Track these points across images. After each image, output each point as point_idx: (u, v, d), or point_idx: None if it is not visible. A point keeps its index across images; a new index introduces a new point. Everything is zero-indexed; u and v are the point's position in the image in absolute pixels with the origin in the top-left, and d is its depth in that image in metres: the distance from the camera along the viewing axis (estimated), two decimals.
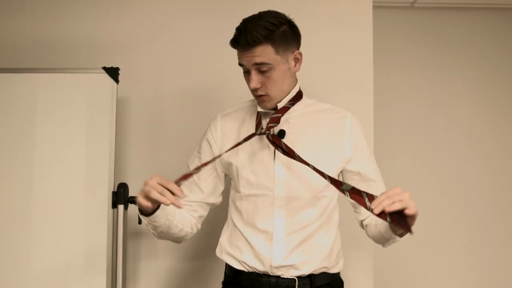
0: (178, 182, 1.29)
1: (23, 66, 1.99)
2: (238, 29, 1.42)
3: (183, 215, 1.50)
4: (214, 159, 1.46)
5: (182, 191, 1.26)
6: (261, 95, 1.44)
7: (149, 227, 1.43)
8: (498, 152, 2.75)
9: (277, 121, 1.45)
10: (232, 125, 1.56)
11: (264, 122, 1.49)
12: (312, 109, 1.54)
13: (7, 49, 2.10)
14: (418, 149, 2.72)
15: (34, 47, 2.10)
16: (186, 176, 1.34)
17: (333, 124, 1.52)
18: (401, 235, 1.36)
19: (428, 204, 2.70)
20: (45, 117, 1.85)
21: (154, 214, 1.36)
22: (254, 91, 1.44)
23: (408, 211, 1.19)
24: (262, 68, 1.39)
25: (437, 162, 2.73)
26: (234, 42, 1.41)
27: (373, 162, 1.56)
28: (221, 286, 1.60)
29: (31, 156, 1.83)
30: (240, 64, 1.44)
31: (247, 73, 1.44)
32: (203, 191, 1.55)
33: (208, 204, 1.57)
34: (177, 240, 1.52)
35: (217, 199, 1.58)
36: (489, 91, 2.76)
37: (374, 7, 2.19)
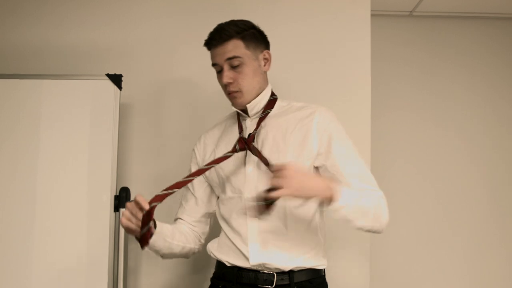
0: (166, 193, 1.37)
1: (28, 72, 2.02)
2: (210, 32, 1.53)
3: (184, 233, 1.59)
4: (196, 174, 1.50)
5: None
6: (233, 91, 1.51)
7: (151, 251, 1.50)
8: (496, 157, 2.76)
9: (253, 139, 1.52)
10: (213, 136, 1.66)
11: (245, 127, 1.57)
12: (284, 110, 1.58)
13: (12, 56, 2.14)
14: (415, 155, 2.74)
15: (39, 54, 2.13)
16: (173, 187, 1.41)
17: (302, 121, 1.53)
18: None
19: (426, 208, 2.72)
20: (49, 122, 1.89)
21: (151, 240, 1.42)
22: (226, 87, 1.51)
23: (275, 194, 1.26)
24: (233, 63, 1.48)
25: (435, 168, 2.74)
26: (209, 40, 1.51)
27: (348, 154, 1.51)
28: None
29: (35, 160, 1.86)
30: (214, 65, 1.52)
31: (219, 72, 1.52)
32: (197, 200, 1.64)
33: (205, 215, 1.66)
34: (183, 256, 1.62)
35: (212, 208, 1.66)
36: (488, 97, 2.78)
37: (373, 15, 2.22)
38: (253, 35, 1.52)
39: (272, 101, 1.58)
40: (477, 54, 2.78)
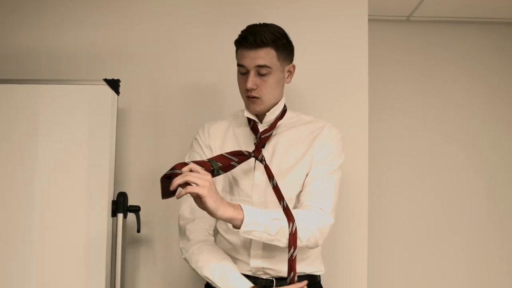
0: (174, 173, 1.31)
1: (25, 77, 2.02)
2: (246, 30, 1.49)
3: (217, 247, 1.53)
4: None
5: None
6: (253, 97, 1.49)
7: None
8: (495, 158, 2.77)
9: (268, 140, 1.54)
10: (218, 129, 1.62)
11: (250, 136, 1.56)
12: (294, 121, 1.60)
13: (10, 60, 2.13)
14: (414, 158, 2.74)
15: (36, 59, 2.13)
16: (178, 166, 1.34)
17: (312, 134, 1.56)
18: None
19: (425, 210, 2.72)
20: (47, 127, 1.88)
21: None
22: (248, 91, 1.48)
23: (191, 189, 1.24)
24: (261, 71, 1.46)
25: (434, 170, 2.75)
26: (242, 40, 1.47)
27: (325, 168, 1.51)
28: None
29: (32, 165, 1.86)
30: (240, 65, 1.49)
31: (243, 74, 1.49)
32: None
33: None
34: None
35: None
36: (486, 100, 2.79)
37: (370, 20, 2.22)
38: (285, 47, 1.51)
39: (283, 111, 1.59)
40: (475, 58, 2.79)
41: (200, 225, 1.52)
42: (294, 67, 1.57)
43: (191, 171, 1.27)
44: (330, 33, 2.17)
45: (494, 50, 2.80)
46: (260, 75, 1.47)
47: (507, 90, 2.81)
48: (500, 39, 2.81)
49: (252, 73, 1.46)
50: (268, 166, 1.48)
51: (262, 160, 1.49)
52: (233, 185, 1.55)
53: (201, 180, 1.25)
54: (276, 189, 1.44)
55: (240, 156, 1.46)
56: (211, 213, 1.28)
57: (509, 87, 2.81)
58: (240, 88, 1.54)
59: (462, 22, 2.77)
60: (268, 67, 1.46)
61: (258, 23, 1.52)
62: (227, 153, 1.45)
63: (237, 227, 1.32)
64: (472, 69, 2.79)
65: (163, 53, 2.17)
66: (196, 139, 1.63)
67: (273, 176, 1.46)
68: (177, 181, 1.25)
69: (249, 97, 1.49)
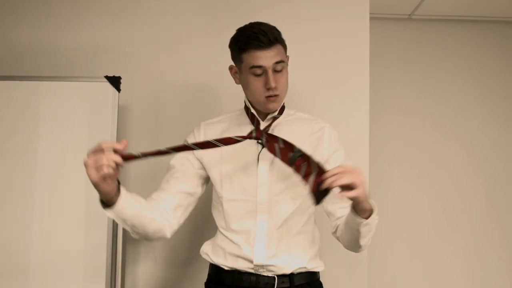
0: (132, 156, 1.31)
1: (26, 74, 2.02)
2: (251, 32, 1.45)
3: (155, 207, 1.48)
4: (185, 149, 1.43)
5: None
6: (274, 95, 1.48)
7: (119, 222, 1.39)
8: (494, 157, 2.78)
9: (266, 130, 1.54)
10: (214, 131, 1.60)
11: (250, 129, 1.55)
12: (293, 118, 1.61)
13: (11, 57, 2.14)
14: (414, 157, 2.75)
15: (37, 56, 2.14)
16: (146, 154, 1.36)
17: (314, 134, 1.57)
18: (367, 218, 1.37)
19: (425, 210, 2.73)
20: (48, 124, 1.89)
21: (117, 205, 1.32)
22: (269, 91, 1.47)
23: (351, 193, 1.26)
24: (278, 67, 1.47)
25: (434, 170, 2.75)
26: (254, 41, 1.44)
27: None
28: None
29: (34, 161, 1.87)
30: (255, 67, 1.46)
31: (258, 75, 1.47)
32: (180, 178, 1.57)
33: (187, 193, 1.55)
34: (150, 234, 1.45)
35: (197, 188, 1.58)
36: (486, 99, 2.80)
37: (371, 18, 2.22)
38: (283, 40, 1.53)
39: (282, 107, 1.59)
40: (475, 57, 2.79)
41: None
42: (288, 57, 1.57)
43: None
44: (331, 33, 2.17)
45: (494, 48, 2.81)
46: (276, 71, 1.47)
47: (507, 89, 2.81)
48: (500, 38, 2.81)
49: (270, 71, 1.45)
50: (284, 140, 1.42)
51: (262, 137, 1.46)
52: (235, 184, 1.53)
53: (357, 178, 1.27)
54: (286, 143, 1.40)
55: (231, 140, 1.42)
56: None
57: (509, 86, 2.81)
58: (255, 90, 1.49)
59: (463, 21, 2.77)
60: (283, 62, 1.48)
61: (253, 23, 1.50)
62: (216, 140, 1.41)
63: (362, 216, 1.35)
64: (473, 68, 2.79)
65: (164, 50, 2.17)
66: (187, 141, 1.61)
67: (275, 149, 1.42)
68: (333, 183, 1.25)
69: (269, 96, 1.48)
